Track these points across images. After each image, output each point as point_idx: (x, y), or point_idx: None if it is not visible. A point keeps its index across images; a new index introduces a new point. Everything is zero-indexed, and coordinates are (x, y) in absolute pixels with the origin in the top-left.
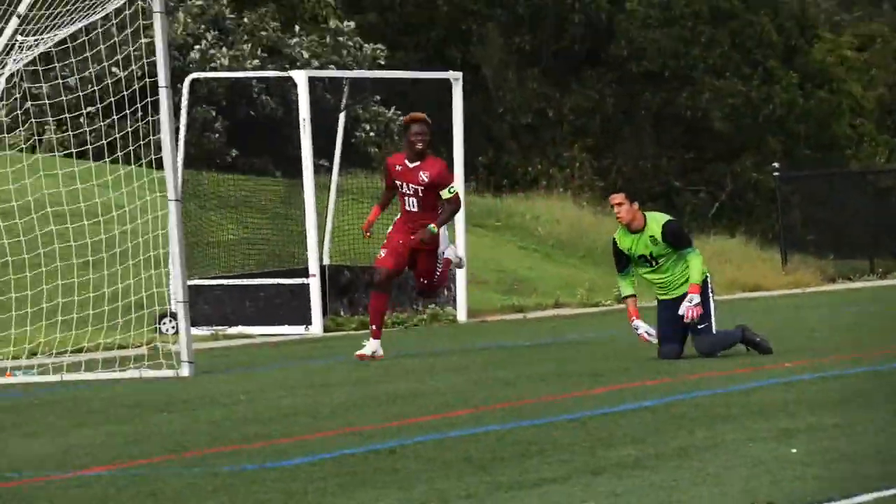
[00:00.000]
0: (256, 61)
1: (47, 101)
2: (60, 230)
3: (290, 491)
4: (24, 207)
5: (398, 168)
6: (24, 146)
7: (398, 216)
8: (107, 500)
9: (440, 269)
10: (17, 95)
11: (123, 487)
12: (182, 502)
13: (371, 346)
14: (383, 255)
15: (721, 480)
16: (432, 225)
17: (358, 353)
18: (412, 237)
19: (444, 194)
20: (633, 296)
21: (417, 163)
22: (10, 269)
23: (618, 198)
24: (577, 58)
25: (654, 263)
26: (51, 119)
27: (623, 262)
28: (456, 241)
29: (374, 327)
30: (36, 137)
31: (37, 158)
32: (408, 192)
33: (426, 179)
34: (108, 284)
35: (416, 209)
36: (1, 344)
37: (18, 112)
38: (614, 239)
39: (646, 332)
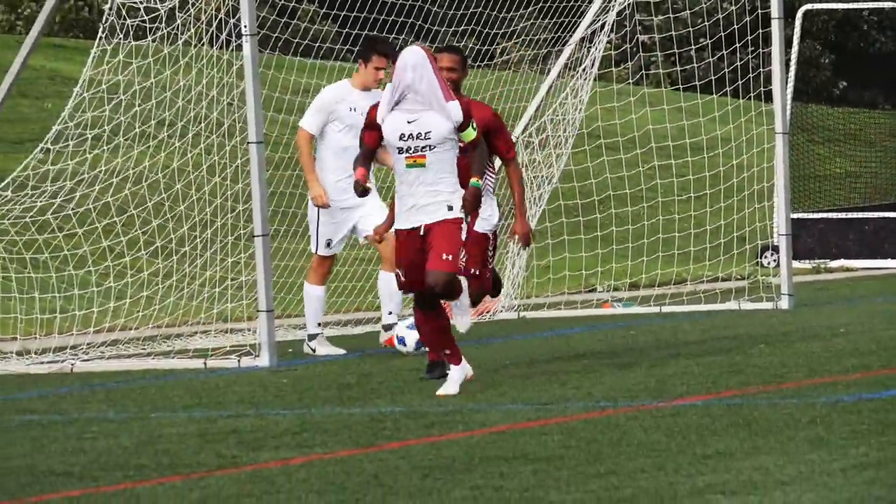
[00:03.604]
0: None
1: (657, 35)
2: (665, 164)
3: (886, 422)
4: (629, 141)
5: None
6: (631, 80)
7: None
8: (701, 428)
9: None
10: (628, 28)
11: (718, 416)
12: (776, 432)
13: None
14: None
15: None
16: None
17: None
18: None
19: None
20: None
21: None
22: (609, 202)
23: None
24: None
25: None
26: (658, 53)
27: None
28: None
29: None
30: (643, 70)
31: (643, 92)
32: None
33: None
34: (710, 219)
35: None
36: (602, 276)
37: (628, 45)
38: None
39: None
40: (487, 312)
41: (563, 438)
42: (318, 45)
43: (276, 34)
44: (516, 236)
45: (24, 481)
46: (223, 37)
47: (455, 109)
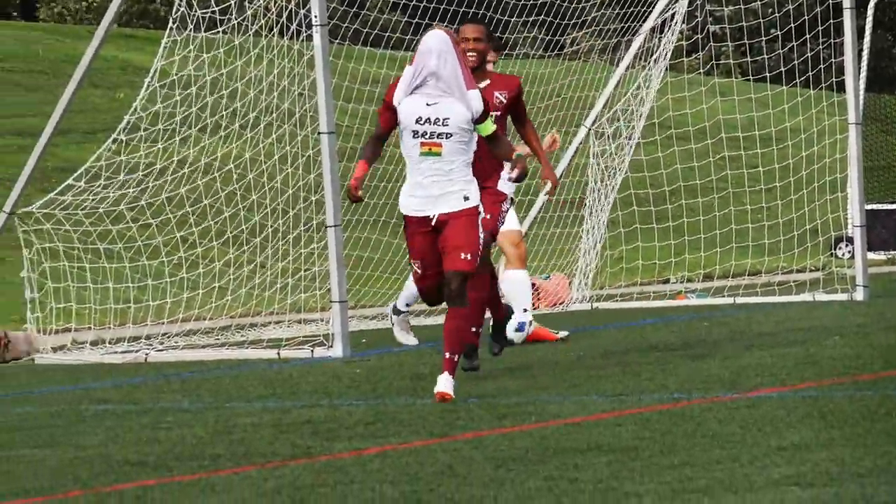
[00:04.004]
0: None
1: (728, 25)
2: (735, 155)
3: None
4: (699, 132)
5: None
6: (701, 70)
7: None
8: (776, 420)
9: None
10: (699, 18)
11: (793, 409)
12: (852, 424)
13: None
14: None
15: None
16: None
17: None
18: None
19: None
20: None
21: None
22: (680, 192)
23: None
24: None
25: None
26: (729, 43)
27: None
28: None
29: None
30: (714, 61)
31: (714, 82)
32: None
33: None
34: (783, 210)
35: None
36: (676, 267)
37: (699, 35)
38: None
39: None
40: (561, 304)
41: (638, 430)
42: (387, 35)
43: (345, 24)
44: (547, 181)
45: (98, 470)
46: (293, 27)
47: (476, 99)
